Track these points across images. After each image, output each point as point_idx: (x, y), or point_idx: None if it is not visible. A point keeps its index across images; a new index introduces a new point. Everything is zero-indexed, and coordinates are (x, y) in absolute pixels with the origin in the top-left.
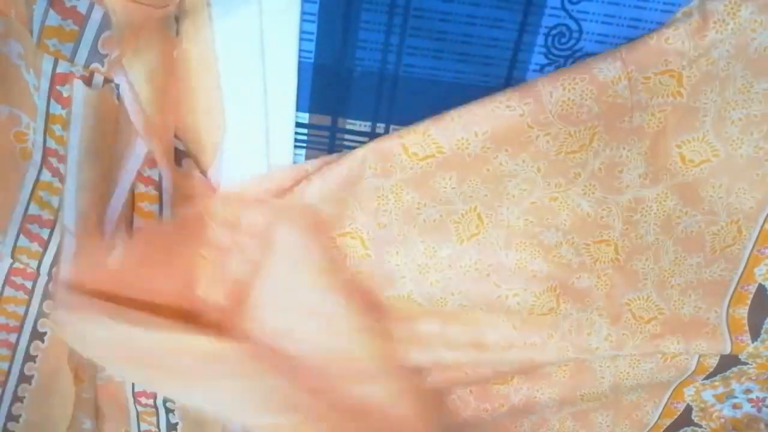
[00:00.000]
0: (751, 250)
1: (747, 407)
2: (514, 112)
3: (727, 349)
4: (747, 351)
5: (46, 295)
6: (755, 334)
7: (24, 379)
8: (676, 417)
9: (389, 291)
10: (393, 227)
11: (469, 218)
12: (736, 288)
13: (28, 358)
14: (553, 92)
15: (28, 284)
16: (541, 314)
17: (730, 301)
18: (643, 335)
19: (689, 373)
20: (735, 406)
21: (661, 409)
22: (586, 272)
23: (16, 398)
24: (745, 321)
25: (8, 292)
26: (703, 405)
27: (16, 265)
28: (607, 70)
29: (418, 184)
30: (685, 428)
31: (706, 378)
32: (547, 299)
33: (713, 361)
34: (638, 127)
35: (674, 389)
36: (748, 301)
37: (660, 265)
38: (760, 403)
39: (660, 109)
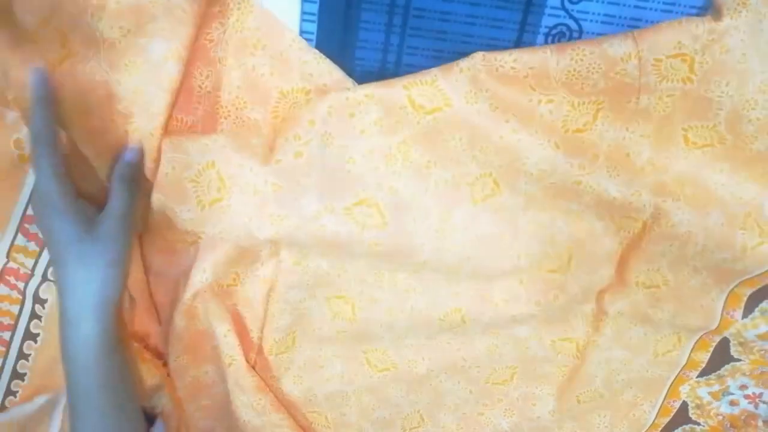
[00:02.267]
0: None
1: (744, 404)
2: (518, 73)
3: (714, 326)
4: (733, 328)
5: (39, 298)
6: (748, 313)
7: (17, 375)
8: (672, 415)
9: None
10: (404, 191)
11: (483, 182)
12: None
13: (21, 356)
14: (560, 60)
15: (21, 285)
16: (551, 270)
17: (741, 282)
18: (639, 298)
19: (680, 367)
20: (732, 403)
21: (658, 407)
22: (608, 237)
23: (9, 392)
24: (745, 299)
25: (2, 290)
26: (699, 402)
27: (11, 264)
28: (618, 46)
29: (427, 142)
30: (684, 426)
31: (700, 375)
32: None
33: (704, 356)
34: (644, 109)
35: (670, 387)
36: (760, 285)
37: (683, 252)
38: (757, 399)
39: (668, 93)
